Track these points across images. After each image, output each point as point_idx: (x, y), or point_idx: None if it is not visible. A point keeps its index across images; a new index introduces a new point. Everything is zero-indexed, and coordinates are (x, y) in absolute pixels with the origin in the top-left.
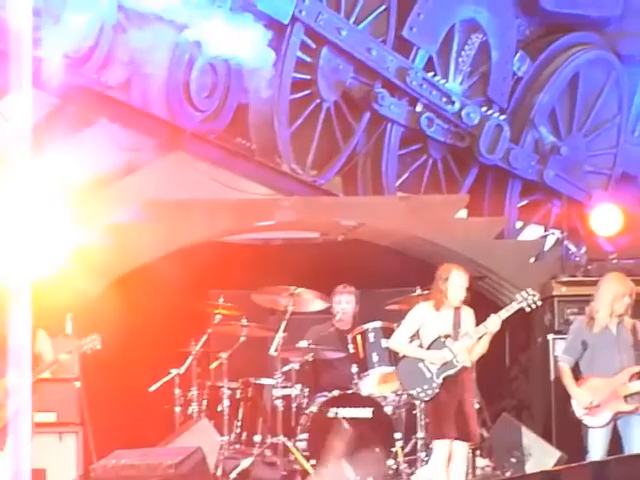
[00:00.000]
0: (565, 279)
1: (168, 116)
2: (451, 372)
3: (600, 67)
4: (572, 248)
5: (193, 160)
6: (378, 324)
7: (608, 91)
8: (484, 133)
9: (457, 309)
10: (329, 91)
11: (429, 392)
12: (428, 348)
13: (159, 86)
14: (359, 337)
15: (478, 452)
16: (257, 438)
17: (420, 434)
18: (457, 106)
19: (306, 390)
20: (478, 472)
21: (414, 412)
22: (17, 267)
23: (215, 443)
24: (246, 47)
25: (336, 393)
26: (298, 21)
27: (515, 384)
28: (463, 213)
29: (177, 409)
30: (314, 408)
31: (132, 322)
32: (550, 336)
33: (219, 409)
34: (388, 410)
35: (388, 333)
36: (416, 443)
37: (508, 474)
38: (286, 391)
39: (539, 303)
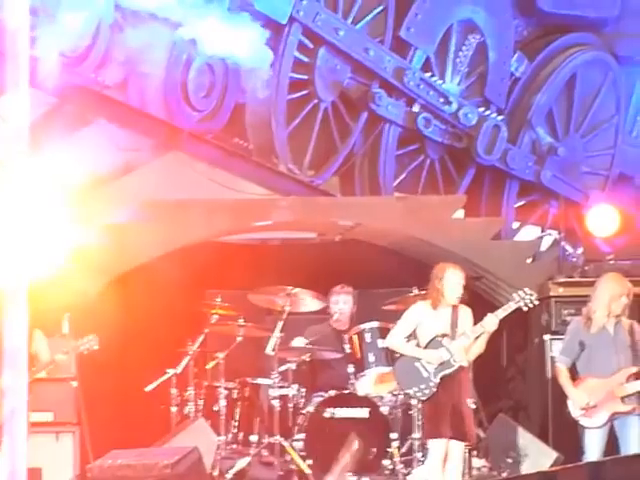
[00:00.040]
0: (562, 280)
1: (166, 116)
2: (448, 372)
3: (597, 68)
4: (569, 249)
5: (191, 160)
6: (375, 324)
7: (605, 92)
8: (481, 134)
9: (455, 308)
10: (326, 91)
11: (426, 392)
12: (425, 347)
13: (157, 86)
14: (356, 337)
15: (475, 452)
16: (254, 438)
17: (416, 434)
18: (454, 106)
19: (303, 390)
20: (474, 472)
21: (410, 412)
22: (14, 267)
23: (212, 443)
24: (243, 47)
25: (333, 393)
26: (296, 21)
27: (512, 385)
28: (460, 213)
29: (174, 409)
30: (311, 408)
31: (129, 322)
32: (547, 337)
33: (216, 409)
34: (384, 410)
35: (385, 333)
36: (412, 443)
37: (504, 475)
38: (283, 391)
39: (536, 303)
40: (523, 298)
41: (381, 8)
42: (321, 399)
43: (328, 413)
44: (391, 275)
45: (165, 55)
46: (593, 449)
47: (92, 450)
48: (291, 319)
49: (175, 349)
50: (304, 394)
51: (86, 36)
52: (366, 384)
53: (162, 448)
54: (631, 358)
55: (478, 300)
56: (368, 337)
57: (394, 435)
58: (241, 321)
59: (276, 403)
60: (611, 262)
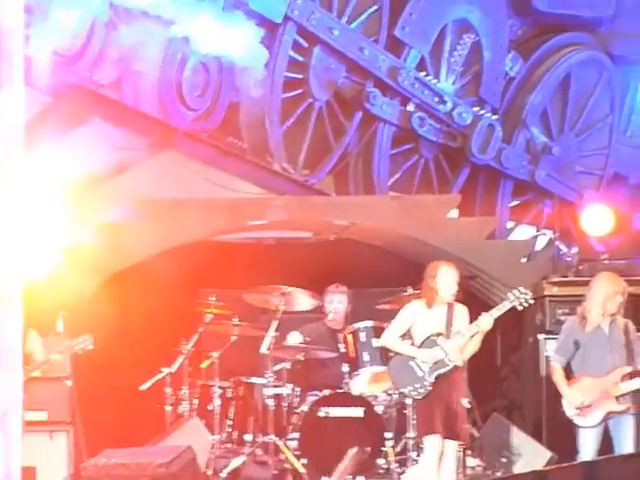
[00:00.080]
0: (556, 279)
1: (160, 115)
2: (443, 371)
3: (592, 67)
4: (564, 248)
5: (185, 159)
6: (369, 323)
7: (600, 91)
8: (476, 133)
9: (450, 306)
10: (321, 90)
11: (421, 391)
12: (420, 346)
13: (151, 84)
14: (350, 336)
15: (469, 452)
16: (248, 437)
17: (411, 433)
18: (449, 106)
19: (297, 389)
20: (469, 472)
21: (405, 411)
22: (8, 266)
23: (206, 442)
24: (238, 46)
25: (327, 392)
26: (291, 20)
27: (506, 384)
28: (455, 213)
29: (168, 408)
30: (305, 407)
31: (123, 321)
32: (541, 336)
33: (210, 408)
34: (379, 409)
35: (379, 332)
36: (407, 442)
37: (499, 474)
38: (277, 390)
39: (531, 302)
40: (518, 297)
41: (376, 7)
42: (315, 398)
43: (322, 412)
44: (386, 274)
45: (159, 54)
46: (587, 448)
47: (86, 449)
48: (285, 318)
49: (169, 348)
50: (299, 393)
51: (81, 34)
52: (360, 383)
53: (156, 447)
54: (626, 357)
55: (472, 299)
56: (363, 336)
57: (389, 434)
58: (236, 320)
59: (270, 402)
60: (606, 261)
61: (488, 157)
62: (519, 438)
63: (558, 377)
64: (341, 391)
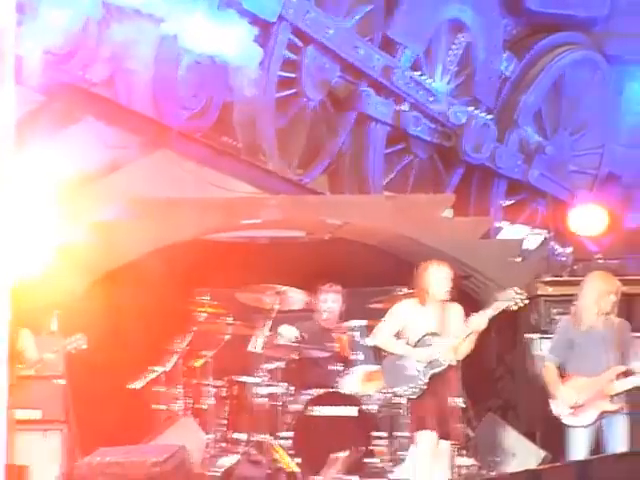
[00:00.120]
0: (551, 279)
1: (154, 113)
2: (437, 370)
3: (586, 67)
4: (558, 248)
5: (179, 158)
6: (363, 323)
7: (594, 91)
8: (470, 132)
9: (444, 305)
10: (315, 90)
11: (415, 390)
12: (414, 346)
13: (145, 83)
14: (344, 336)
15: (463, 451)
16: (242, 436)
17: (404, 433)
18: (444, 105)
19: (291, 388)
20: (463, 471)
21: (399, 411)
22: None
23: (200, 441)
24: (232, 45)
25: (321, 391)
26: (285, 20)
27: (501, 384)
28: (449, 212)
29: (162, 407)
30: (299, 406)
31: (117, 320)
32: (536, 336)
33: (204, 407)
34: (372, 409)
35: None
36: (400, 442)
37: (493, 473)
38: (271, 389)
39: (526, 301)
40: (512, 297)
41: (371, 7)
42: (309, 397)
43: (316, 411)
44: (380, 274)
45: (152, 52)
46: (580, 448)
47: (80, 448)
48: (279, 317)
49: (163, 347)
50: (292, 392)
51: (73, 33)
52: (354, 382)
53: (150, 446)
54: (620, 356)
55: (466, 299)
56: (356, 335)
57: (382, 434)
58: (229, 319)
59: (264, 401)
60: (600, 261)
61: (482, 156)
62: (513, 438)
63: (552, 376)
64: (334, 390)
